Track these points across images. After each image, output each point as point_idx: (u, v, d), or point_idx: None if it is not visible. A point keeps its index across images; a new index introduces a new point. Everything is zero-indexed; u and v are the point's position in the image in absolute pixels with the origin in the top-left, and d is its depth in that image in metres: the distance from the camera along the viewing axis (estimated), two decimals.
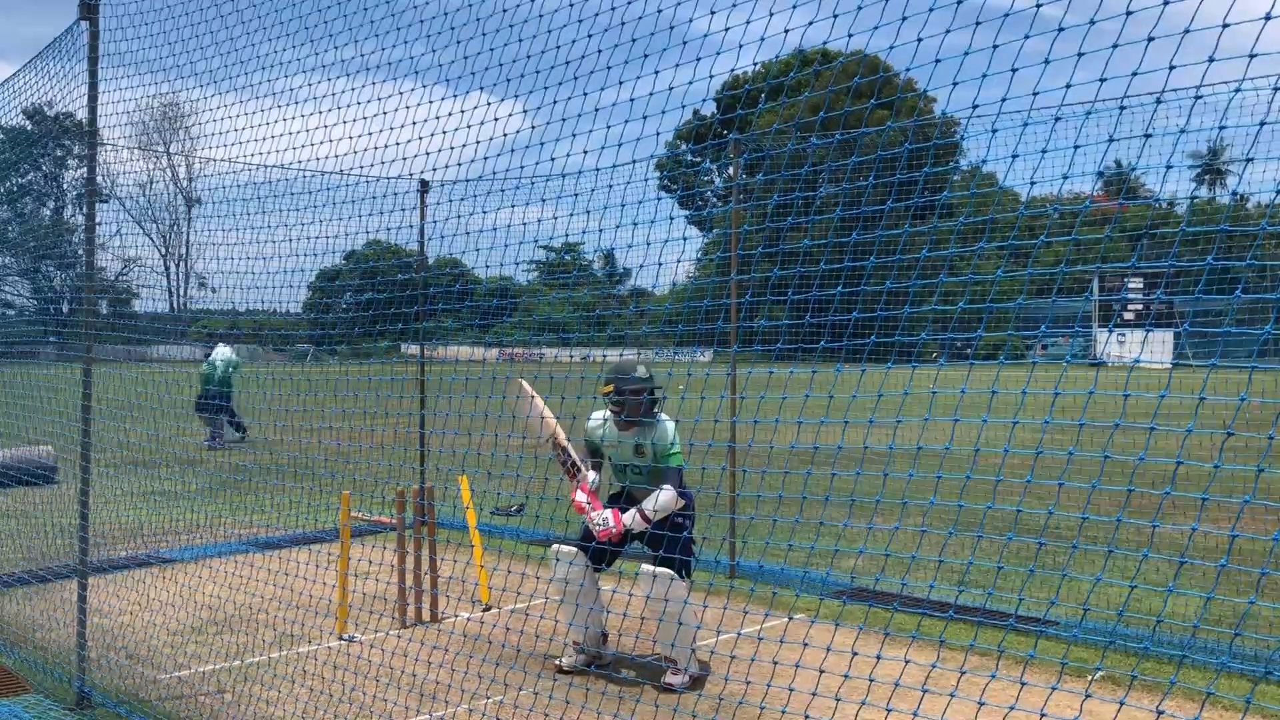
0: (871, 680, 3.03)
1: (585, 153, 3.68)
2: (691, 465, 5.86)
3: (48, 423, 7.14)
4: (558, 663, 5.61)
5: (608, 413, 5.65)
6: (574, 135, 3.71)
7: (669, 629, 5.21)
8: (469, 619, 6.60)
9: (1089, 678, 5.09)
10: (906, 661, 3.10)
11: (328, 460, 8.41)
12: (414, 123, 4.16)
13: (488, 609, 6.86)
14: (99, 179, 5.48)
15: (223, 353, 15.93)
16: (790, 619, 6.21)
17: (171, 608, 6.19)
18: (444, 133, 4.00)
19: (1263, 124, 2.66)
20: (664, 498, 5.39)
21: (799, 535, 7.20)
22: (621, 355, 5.88)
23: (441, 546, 6.94)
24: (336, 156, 4.55)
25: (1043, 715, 2.65)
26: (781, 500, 3.48)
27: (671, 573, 5.21)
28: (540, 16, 3.68)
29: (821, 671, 3.11)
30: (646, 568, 5.28)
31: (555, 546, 5.61)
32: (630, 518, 5.40)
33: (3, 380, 7.94)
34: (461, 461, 5.32)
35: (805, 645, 3.32)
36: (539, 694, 4.83)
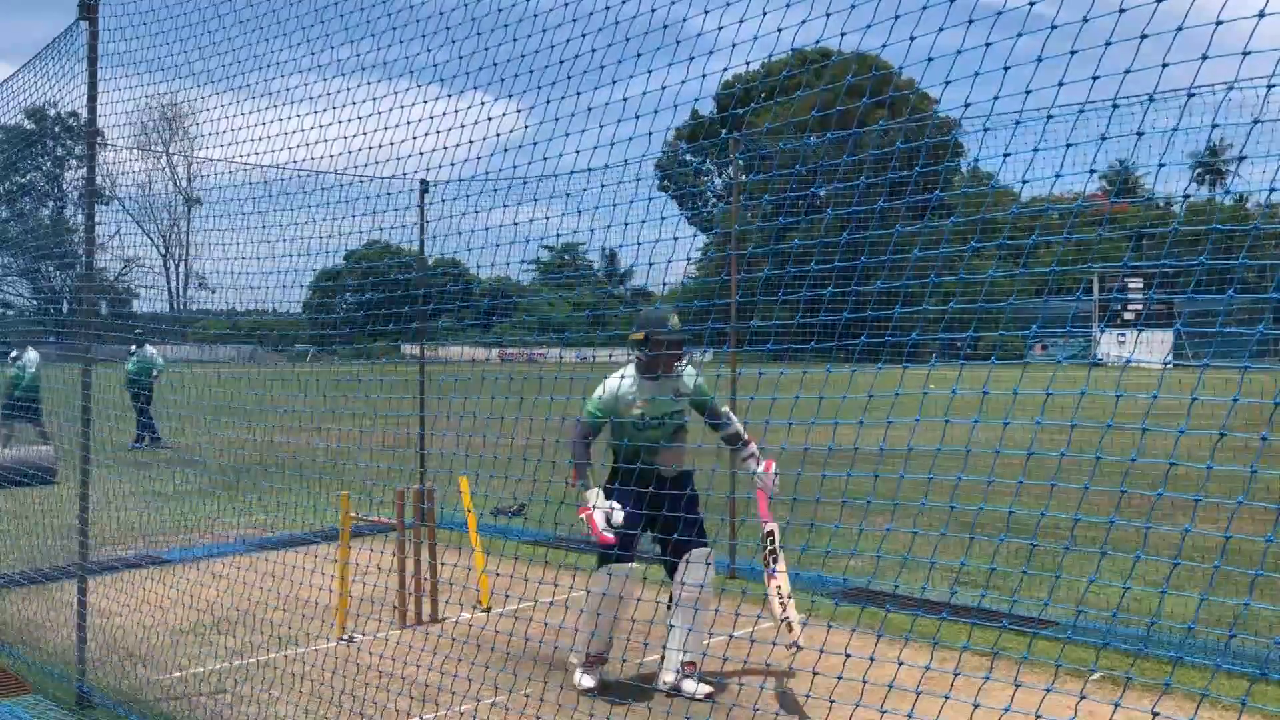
0: (865, 682, 3.02)
1: (578, 152, 3.69)
2: (687, 466, 5.84)
3: (48, 423, 7.15)
4: (580, 684, 5.32)
5: (631, 369, 5.29)
6: (567, 135, 3.72)
7: (687, 626, 5.03)
8: (466, 619, 6.60)
9: (1085, 678, 5.09)
10: (900, 663, 3.10)
11: (321, 461, 8.41)
12: (409, 122, 4.17)
13: (487, 610, 6.85)
14: (99, 179, 5.48)
15: (145, 352, 15.96)
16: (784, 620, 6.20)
17: (165, 609, 6.19)
18: (439, 132, 4.01)
19: (1256, 121, 2.66)
20: (739, 429, 5.21)
21: (792, 537, 7.19)
22: (656, 307, 5.48)
23: (441, 547, 6.94)
24: (332, 157, 4.56)
25: (1038, 716, 2.64)
26: (775, 500, 3.48)
27: (709, 554, 5.11)
28: (535, 16, 3.69)
29: (815, 673, 3.11)
30: (698, 552, 5.12)
31: (608, 567, 5.19)
32: (760, 472, 5.10)
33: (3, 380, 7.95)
34: (457, 461, 5.32)
35: (799, 647, 3.32)
36: (530, 696, 4.83)
